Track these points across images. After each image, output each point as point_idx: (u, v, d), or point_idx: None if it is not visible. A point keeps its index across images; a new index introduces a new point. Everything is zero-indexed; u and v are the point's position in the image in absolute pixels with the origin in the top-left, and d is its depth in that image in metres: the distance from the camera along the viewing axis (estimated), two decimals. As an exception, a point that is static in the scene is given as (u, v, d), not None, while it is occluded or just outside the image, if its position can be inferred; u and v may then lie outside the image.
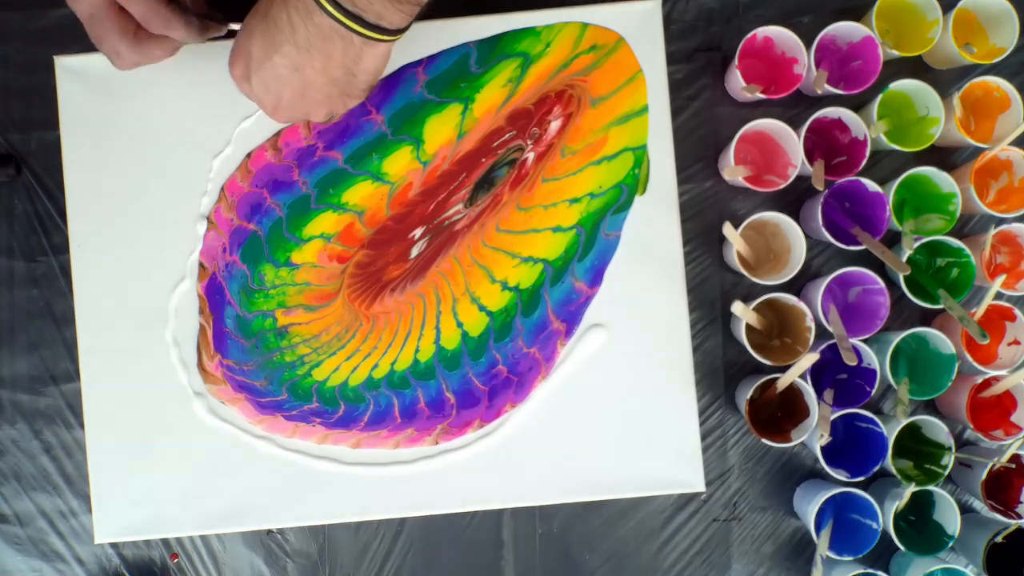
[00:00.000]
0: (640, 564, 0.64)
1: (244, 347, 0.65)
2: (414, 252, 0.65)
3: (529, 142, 0.65)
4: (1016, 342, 0.62)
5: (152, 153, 0.65)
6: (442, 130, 0.65)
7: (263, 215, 0.65)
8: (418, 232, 0.65)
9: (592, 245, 0.64)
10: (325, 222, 0.65)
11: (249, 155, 0.66)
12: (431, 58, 0.65)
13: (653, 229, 0.64)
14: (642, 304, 0.64)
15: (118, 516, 0.64)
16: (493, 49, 0.65)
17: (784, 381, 0.59)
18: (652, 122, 0.65)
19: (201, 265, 0.65)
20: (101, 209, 0.65)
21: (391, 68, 0.64)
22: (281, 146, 0.66)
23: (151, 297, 0.65)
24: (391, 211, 0.65)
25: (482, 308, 0.65)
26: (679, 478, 0.63)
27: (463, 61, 0.65)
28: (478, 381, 0.64)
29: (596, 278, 0.64)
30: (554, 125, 0.65)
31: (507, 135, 0.65)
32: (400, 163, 0.65)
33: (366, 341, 0.65)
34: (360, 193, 0.65)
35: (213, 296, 0.65)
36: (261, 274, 0.65)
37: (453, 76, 0.65)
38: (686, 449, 0.63)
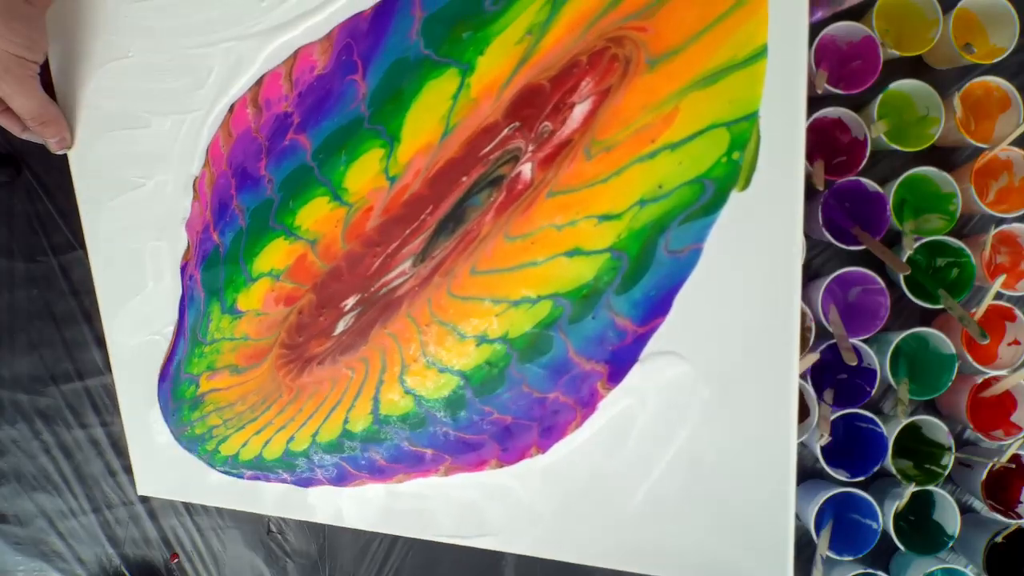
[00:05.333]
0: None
1: (168, 408, 0.61)
2: (339, 327, 0.55)
3: (530, 146, 0.47)
4: (1016, 342, 0.62)
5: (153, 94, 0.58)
6: (427, 123, 0.49)
7: (227, 223, 0.58)
8: (350, 302, 0.55)
9: (643, 270, 0.45)
10: (276, 252, 0.56)
11: (232, 108, 0.56)
12: None
13: (756, 233, 0.42)
14: (731, 340, 0.44)
15: (155, 475, 0.65)
16: None
17: (784, 381, 0.59)
18: (778, 73, 0.40)
19: (188, 241, 0.59)
20: (105, 181, 0.61)
21: None
22: (261, 104, 0.55)
23: (164, 264, 0.61)
24: (347, 243, 0.53)
25: (445, 370, 0.53)
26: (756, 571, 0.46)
27: None
28: (463, 434, 0.53)
29: (654, 311, 0.46)
30: (578, 111, 0.45)
31: (505, 132, 0.47)
32: (366, 174, 0.52)
33: (282, 412, 0.59)
34: (315, 214, 0.54)
35: (182, 312, 0.60)
36: (208, 318, 0.59)
37: (460, 14, 0.48)
38: (773, 540, 0.45)
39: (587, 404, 0.49)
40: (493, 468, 0.53)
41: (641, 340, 0.47)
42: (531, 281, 0.49)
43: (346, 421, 0.57)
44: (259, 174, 0.56)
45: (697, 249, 0.44)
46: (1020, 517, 0.60)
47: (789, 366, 0.43)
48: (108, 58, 0.59)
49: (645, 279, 0.46)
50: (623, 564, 0.50)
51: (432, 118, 0.49)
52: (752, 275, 0.43)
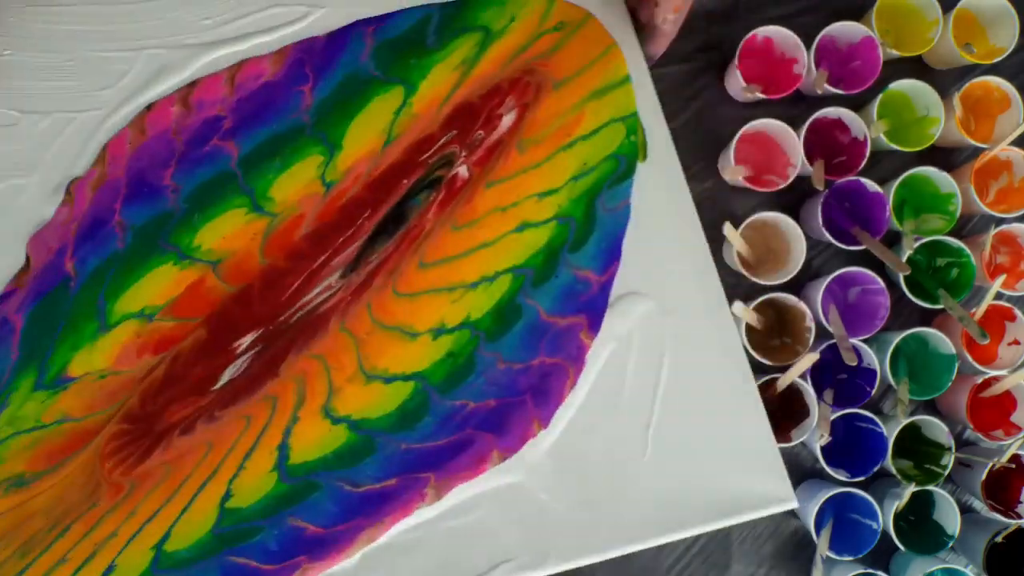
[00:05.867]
0: (640, 564, 0.64)
1: None
2: (224, 378, 0.50)
3: (463, 152, 0.55)
4: (1016, 342, 0.62)
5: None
6: (369, 132, 0.55)
7: (96, 245, 0.51)
8: (246, 341, 0.51)
9: (591, 228, 0.56)
10: (158, 283, 0.51)
11: (150, 107, 0.53)
12: (386, 18, 0.57)
13: (666, 196, 0.58)
14: (670, 274, 0.56)
15: None
16: (456, 16, 0.57)
17: (784, 381, 0.59)
18: (638, 91, 0.59)
19: (27, 258, 0.50)
20: None
21: (342, 22, 0.57)
22: (192, 104, 0.54)
23: None
24: (267, 258, 0.52)
25: (392, 379, 0.51)
26: (764, 492, 0.53)
27: (421, 27, 0.57)
28: (429, 442, 0.51)
29: (609, 259, 0.56)
30: (506, 120, 0.56)
31: (442, 140, 0.55)
32: (300, 181, 0.53)
33: (93, 531, 0.47)
34: (225, 228, 0.52)
35: None
36: (9, 391, 0.48)
37: (405, 46, 0.57)
38: (762, 452, 0.54)
39: (576, 358, 0.53)
40: (496, 463, 0.51)
41: (606, 288, 0.55)
42: (486, 261, 0.54)
43: (226, 497, 0.47)
44: (161, 183, 0.52)
45: (627, 204, 0.57)
46: (1020, 517, 0.60)
47: (711, 272, 0.57)
48: None
49: (595, 234, 0.56)
50: (655, 537, 0.52)
51: (375, 128, 0.55)
52: (664, 214, 0.58)
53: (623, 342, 0.54)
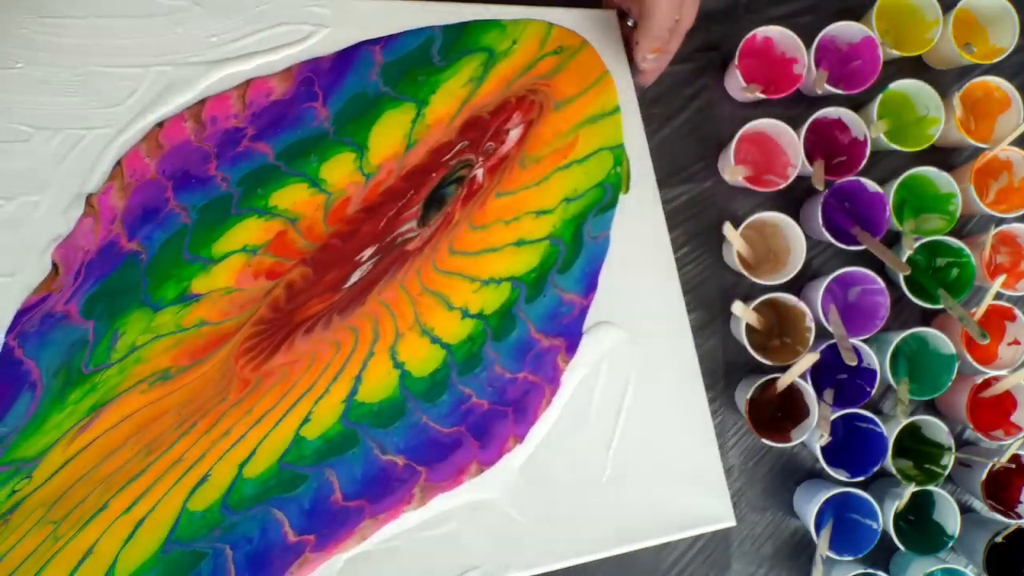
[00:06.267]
0: (640, 564, 0.64)
1: None
2: (353, 277, 0.55)
3: (479, 158, 0.59)
4: (1016, 342, 0.62)
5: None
6: (390, 137, 0.58)
7: (158, 225, 0.53)
8: (367, 252, 0.56)
9: (577, 252, 0.59)
10: (248, 231, 0.54)
11: (161, 124, 0.54)
12: (391, 38, 0.59)
13: (641, 228, 0.62)
14: (640, 304, 0.60)
15: None
16: (458, 38, 0.60)
17: (784, 381, 0.59)
18: (626, 122, 0.63)
19: (54, 266, 0.52)
20: None
21: (346, 42, 0.59)
22: (205, 120, 0.55)
23: None
24: (330, 226, 0.56)
25: (436, 340, 0.56)
26: (708, 511, 0.59)
27: (426, 47, 0.60)
28: (440, 425, 0.54)
29: (590, 285, 0.59)
30: (513, 134, 0.60)
31: (458, 147, 0.59)
32: (341, 171, 0.57)
33: (211, 430, 0.51)
34: (293, 197, 0.55)
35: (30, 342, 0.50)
36: (115, 334, 0.51)
37: (412, 64, 0.59)
38: (710, 474, 0.59)
39: (552, 380, 0.57)
40: (473, 476, 0.54)
41: (584, 312, 0.59)
42: (493, 265, 0.58)
43: (305, 420, 0.52)
44: (208, 174, 0.54)
45: (607, 235, 0.60)
46: (1020, 517, 0.60)
47: (679, 303, 0.61)
48: None
49: (580, 258, 0.59)
50: (608, 550, 0.56)
51: (395, 134, 0.58)
52: (641, 245, 0.61)
53: (593, 368, 0.58)
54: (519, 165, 0.60)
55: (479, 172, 0.59)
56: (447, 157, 0.59)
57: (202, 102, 0.55)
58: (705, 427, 0.60)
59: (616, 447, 0.58)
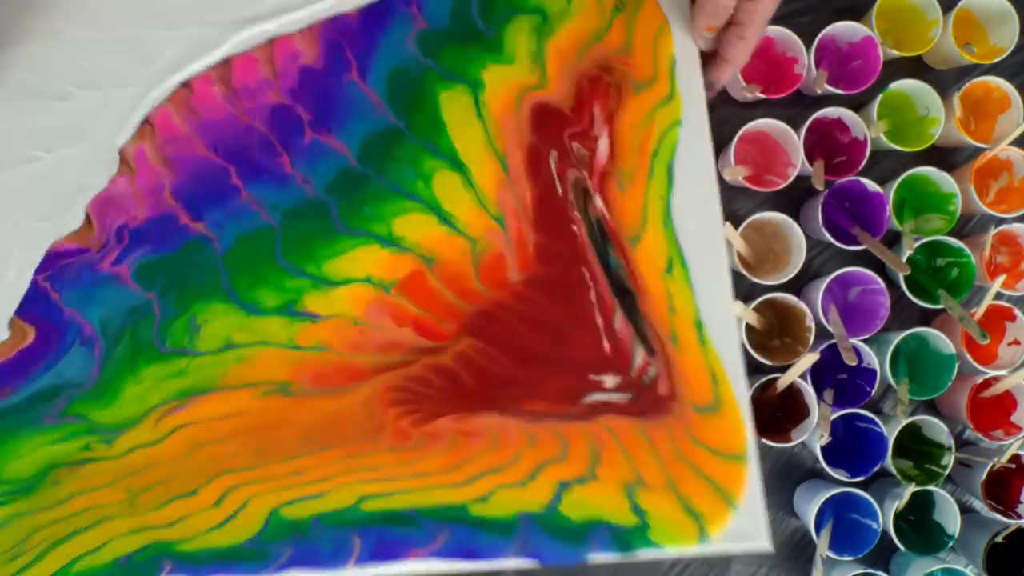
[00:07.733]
0: (640, 564, 0.64)
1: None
2: (591, 398, 0.47)
3: (584, 172, 0.48)
4: (1016, 342, 0.62)
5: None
6: (471, 142, 0.48)
7: (230, 215, 0.49)
8: (609, 380, 0.48)
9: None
10: (369, 260, 0.48)
11: (188, 85, 0.50)
12: None
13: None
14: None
15: None
16: None
17: (784, 381, 0.59)
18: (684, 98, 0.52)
19: (87, 219, 0.49)
20: None
21: None
22: (237, 86, 0.50)
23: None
24: (488, 288, 0.47)
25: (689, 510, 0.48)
26: (735, 530, 0.49)
27: (463, 6, 0.50)
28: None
29: None
30: (602, 145, 0.49)
31: (551, 157, 0.48)
32: (457, 199, 0.48)
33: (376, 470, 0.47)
34: (421, 229, 0.47)
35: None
36: (192, 320, 0.48)
37: (453, 29, 0.50)
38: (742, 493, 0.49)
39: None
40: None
41: None
42: None
43: (482, 499, 0.46)
44: (284, 171, 0.49)
45: None
46: (1020, 517, 0.60)
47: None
48: (37, 30, 0.53)
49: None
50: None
51: (474, 137, 0.49)
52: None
53: None
54: (618, 189, 0.49)
55: (598, 201, 0.48)
56: (560, 187, 0.48)
57: (227, 63, 0.51)
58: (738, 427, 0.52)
59: None
